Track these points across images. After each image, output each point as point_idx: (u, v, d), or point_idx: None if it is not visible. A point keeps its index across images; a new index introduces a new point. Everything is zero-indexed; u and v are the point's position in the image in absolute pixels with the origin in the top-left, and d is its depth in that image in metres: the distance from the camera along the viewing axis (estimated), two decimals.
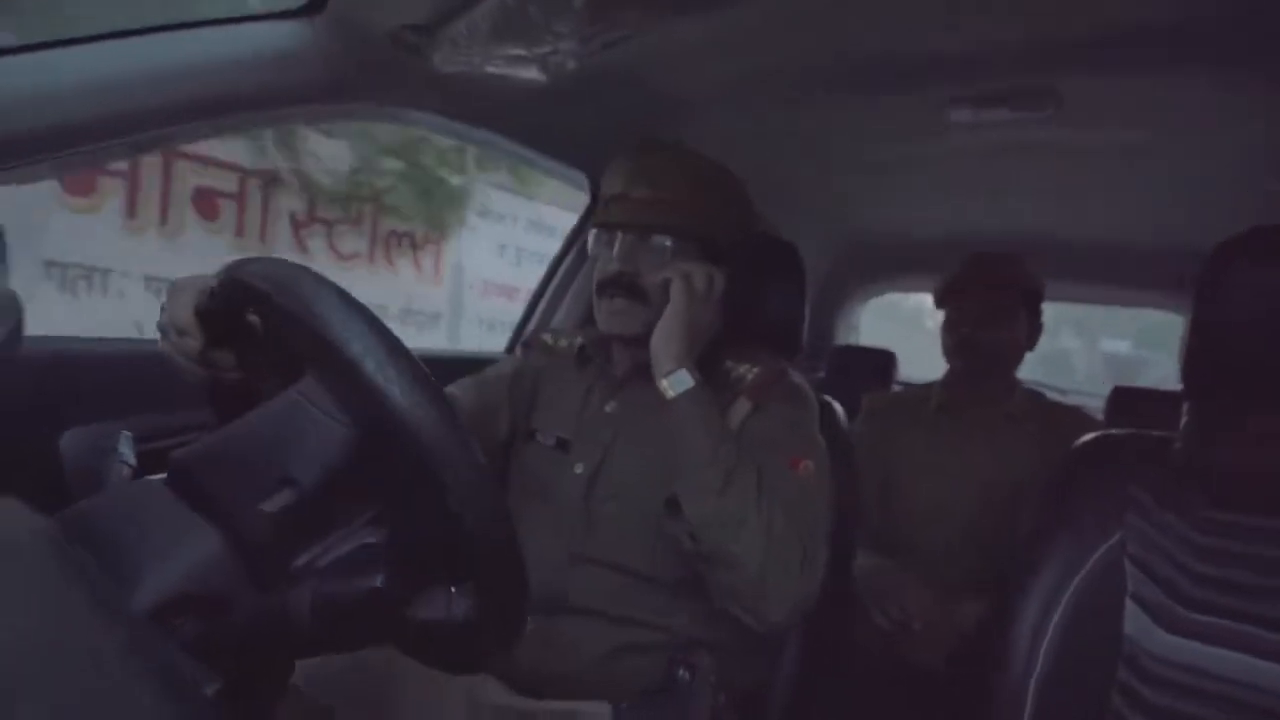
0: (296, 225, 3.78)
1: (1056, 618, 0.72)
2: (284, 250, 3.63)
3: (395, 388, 0.39)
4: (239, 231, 3.52)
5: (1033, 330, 1.30)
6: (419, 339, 4.15)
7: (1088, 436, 0.83)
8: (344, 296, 0.42)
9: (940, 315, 1.37)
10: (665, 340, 0.76)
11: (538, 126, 1.20)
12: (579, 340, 0.95)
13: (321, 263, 3.71)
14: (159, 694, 0.26)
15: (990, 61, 0.96)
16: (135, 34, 0.76)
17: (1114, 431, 0.84)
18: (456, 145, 3.84)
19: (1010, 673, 0.73)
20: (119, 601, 0.31)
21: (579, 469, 0.85)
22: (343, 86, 0.92)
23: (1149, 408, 1.61)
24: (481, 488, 0.41)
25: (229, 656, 0.38)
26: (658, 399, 0.75)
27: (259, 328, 0.54)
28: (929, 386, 1.42)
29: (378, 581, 0.41)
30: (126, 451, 0.47)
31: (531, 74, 0.95)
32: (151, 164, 3.11)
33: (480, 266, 4.67)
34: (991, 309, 1.26)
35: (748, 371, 0.83)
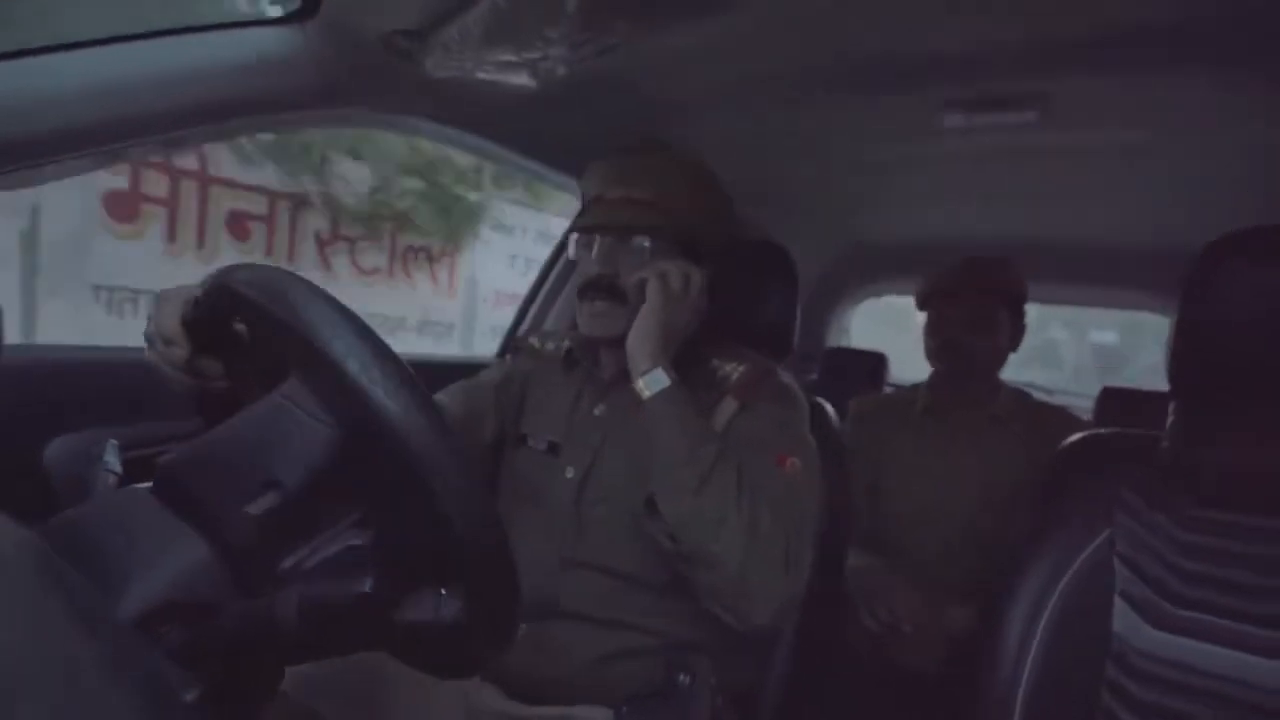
0: (321, 243, 3.95)
1: (1046, 617, 0.73)
2: (309, 267, 3.81)
3: (379, 388, 0.39)
4: (268, 251, 3.70)
5: (1015, 332, 1.30)
6: (435, 349, 4.31)
7: (1075, 436, 0.83)
8: (330, 300, 0.42)
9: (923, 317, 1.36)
10: (640, 340, 0.75)
11: (529, 132, 1.20)
12: (566, 343, 0.94)
13: (345, 278, 3.95)
14: (138, 706, 0.25)
15: (990, 62, 0.96)
16: (127, 40, 0.76)
17: (1101, 431, 0.84)
18: (475, 163, 4.03)
19: (1000, 673, 0.73)
20: (102, 611, 0.31)
21: (570, 473, 0.84)
22: (335, 92, 0.92)
23: (1137, 407, 1.61)
24: (471, 493, 0.41)
25: (216, 662, 0.38)
26: None
27: (245, 336, 0.54)
28: (915, 389, 1.42)
29: (365, 585, 0.41)
30: (112, 460, 0.47)
31: (523, 79, 0.95)
32: (189, 189, 3.31)
33: (493, 278, 4.79)
34: (980, 313, 1.26)
35: (734, 370, 0.83)
